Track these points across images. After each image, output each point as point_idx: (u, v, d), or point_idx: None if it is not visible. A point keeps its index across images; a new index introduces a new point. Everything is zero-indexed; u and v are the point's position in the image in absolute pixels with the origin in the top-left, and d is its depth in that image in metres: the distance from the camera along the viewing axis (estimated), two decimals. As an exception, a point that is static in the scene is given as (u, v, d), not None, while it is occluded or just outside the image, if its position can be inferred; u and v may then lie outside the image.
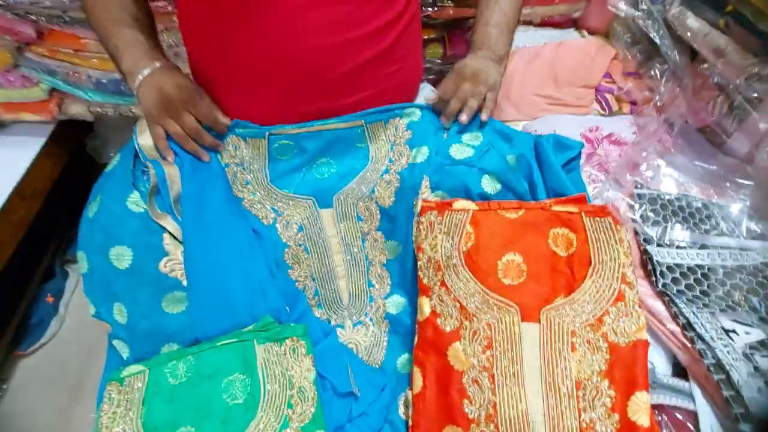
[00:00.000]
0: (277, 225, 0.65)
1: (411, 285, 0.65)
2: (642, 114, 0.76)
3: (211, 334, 0.57)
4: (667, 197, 0.58)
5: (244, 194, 0.65)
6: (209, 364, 0.55)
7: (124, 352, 0.60)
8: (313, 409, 0.52)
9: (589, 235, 0.55)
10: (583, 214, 0.56)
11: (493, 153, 0.64)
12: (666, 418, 0.44)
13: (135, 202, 0.57)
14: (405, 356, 0.63)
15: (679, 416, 0.43)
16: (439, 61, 0.94)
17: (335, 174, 0.67)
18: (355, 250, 0.67)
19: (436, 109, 0.67)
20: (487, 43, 0.67)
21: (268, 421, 0.51)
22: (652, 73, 0.78)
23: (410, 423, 0.53)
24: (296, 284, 0.66)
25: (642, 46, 0.82)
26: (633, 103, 0.83)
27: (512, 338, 0.51)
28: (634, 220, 0.57)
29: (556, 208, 0.57)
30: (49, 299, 1.28)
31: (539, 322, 0.51)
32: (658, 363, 0.50)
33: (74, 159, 1.20)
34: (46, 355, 1.21)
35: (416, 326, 0.57)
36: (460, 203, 0.60)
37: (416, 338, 0.56)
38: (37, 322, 1.23)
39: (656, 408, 0.45)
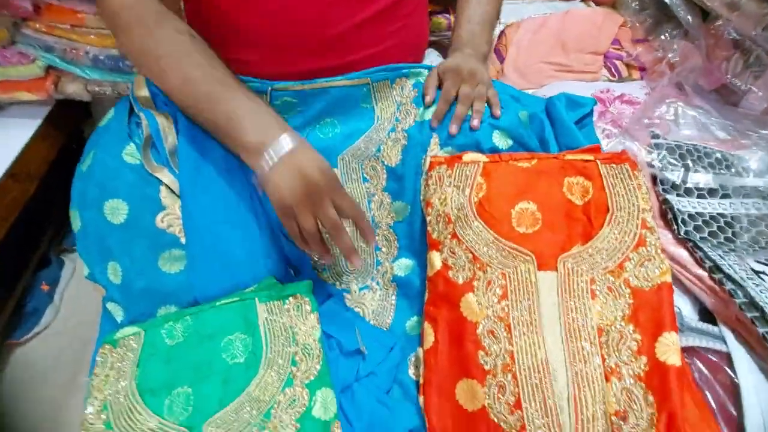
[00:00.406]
0: None
1: (420, 247, 0.63)
2: (653, 78, 0.74)
3: (210, 295, 0.54)
4: (685, 147, 0.56)
5: None
6: (208, 324, 0.52)
7: (119, 314, 0.57)
8: (318, 366, 0.49)
9: (605, 182, 0.52)
10: (598, 161, 0.53)
11: (505, 110, 0.62)
12: (698, 362, 0.41)
13: (131, 154, 0.55)
14: (414, 318, 0.60)
15: (713, 358, 0.41)
16: (446, 33, 0.93)
17: (339, 134, 0.65)
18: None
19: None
20: (472, 41, 0.66)
21: (271, 378, 0.48)
22: (663, 37, 0.76)
23: (421, 381, 0.50)
24: (302, 245, 0.63)
25: (651, 12, 0.81)
26: (642, 69, 0.81)
27: (528, 287, 0.48)
28: (651, 165, 0.54)
29: (570, 157, 0.55)
30: (45, 287, 1.25)
31: (556, 270, 0.49)
32: (684, 310, 0.47)
33: (71, 145, 1.18)
34: (41, 345, 1.17)
35: (426, 283, 0.54)
36: (470, 156, 0.57)
37: (426, 294, 0.54)
38: (32, 310, 1.20)
39: (686, 351, 0.43)
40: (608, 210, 0.51)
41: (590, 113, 0.64)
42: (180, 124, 0.56)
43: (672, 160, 0.54)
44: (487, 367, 0.46)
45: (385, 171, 0.64)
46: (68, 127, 1.16)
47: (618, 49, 0.83)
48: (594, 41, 0.82)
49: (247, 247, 0.56)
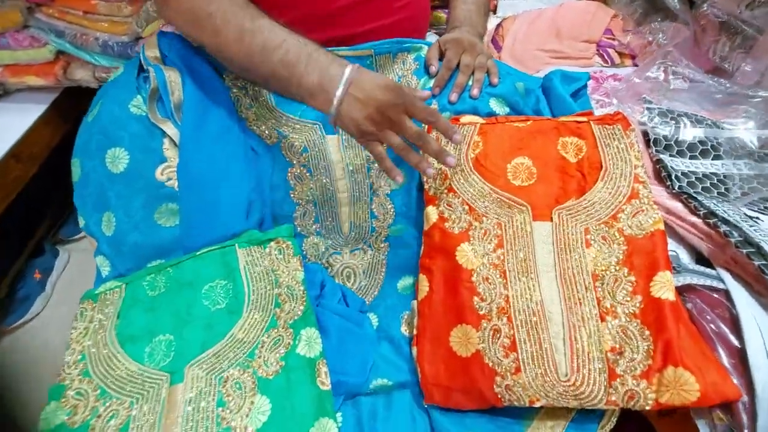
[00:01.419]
0: (282, 144, 0.63)
1: (416, 213, 0.63)
2: (645, 63, 0.76)
3: (196, 248, 0.55)
4: (677, 112, 0.58)
5: (249, 115, 0.64)
6: (189, 273, 0.52)
7: (105, 268, 0.57)
8: (302, 307, 0.48)
9: (598, 141, 0.53)
10: (591, 122, 0.55)
11: (502, 80, 0.64)
12: (696, 299, 0.41)
13: (137, 105, 0.56)
14: (407, 278, 0.60)
15: (712, 294, 0.40)
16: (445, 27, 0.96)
17: None
18: (360, 177, 0.65)
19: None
20: (469, 20, 0.69)
21: (255, 320, 0.48)
22: (652, 26, 0.79)
23: (415, 332, 0.49)
24: (297, 207, 0.63)
25: (640, 3, 0.84)
26: (634, 57, 0.84)
27: (524, 236, 0.48)
28: (642, 123, 0.55)
29: (564, 119, 0.56)
30: (37, 275, 1.24)
31: (551, 221, 0.49)
32: (682, 258, 0.47)
33: (74, 134, 1.20)
34: (29, 333, 1.16)
35: (422, 238, 0.55)
36: (468, 118, 0.59)
37: (422, 248, 0.54)
38: (23, 297, 1.19)
39: (684, 290, 0.42)
40: (602, 167, 0.52)
41: (584, 87, 0.65)
42: (186, 80, 0.58)
43: (662, 122, 0.55)
44: (481, 312, 0.46)
45: None
46: (72, 115, 1.18)
47: (610, 39, 0.85)
48: (587, 29, 0.84)
49: (232, 203, 0.57)
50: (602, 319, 0.42)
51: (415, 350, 0.49)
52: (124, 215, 0.55)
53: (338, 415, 0.48)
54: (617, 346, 0.40)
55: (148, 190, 0.55)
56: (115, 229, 0.55)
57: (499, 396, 0.43)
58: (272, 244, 0.53)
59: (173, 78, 0.57)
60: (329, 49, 0.64)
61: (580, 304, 0.43)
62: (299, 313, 0.48)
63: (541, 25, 0.87)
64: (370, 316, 0.58)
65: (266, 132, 0.64)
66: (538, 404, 0.42)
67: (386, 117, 0.48)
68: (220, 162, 0.57)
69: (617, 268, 0.45)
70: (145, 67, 0.59)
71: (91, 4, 0.98)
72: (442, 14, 0.97)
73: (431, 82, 0.64)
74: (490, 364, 0.44)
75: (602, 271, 0.45)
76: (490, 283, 0.47)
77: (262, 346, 0.47)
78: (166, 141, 0.56)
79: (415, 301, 0.52)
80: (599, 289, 0.44)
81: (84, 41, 1.02)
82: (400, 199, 0.66)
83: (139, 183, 0.55)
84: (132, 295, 0.53)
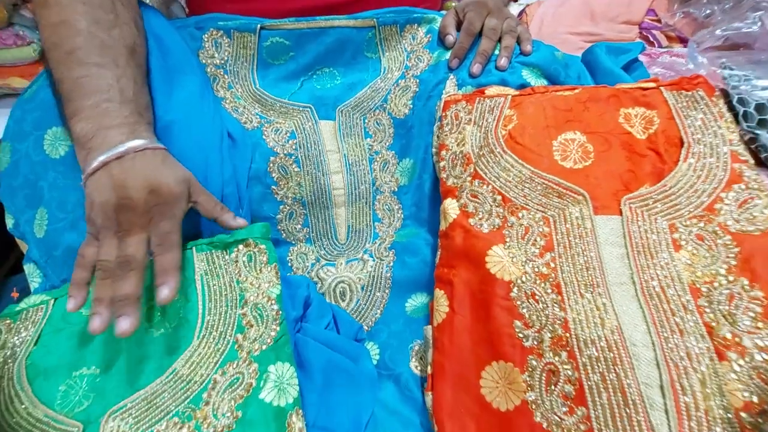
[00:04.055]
0: (264, 129, 0.51)
1: (430, 215, 0.50)
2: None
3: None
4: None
5: (227, 96, 0.52)
6: None
7: (35, 280, 0.44)
8: (274, 333, 0.34)
9: (674, 111, 0.40)
10: (662, 88, 0.41)
11: (537, 47, 0.51)
12: None
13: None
14: (419, 297, 0.45)
15: None
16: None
17: (340, 85, 0.54)
18: (361, 172, 0.52)
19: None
20: None
21: (206, 350, 0.34)
22: (705, 0, 0.67)
23: (429, 371, 0.35)
24: (281, 206, 0.50)
25: (688, -22, 0.72)
26: (684, 41, 0.71)
27: (583, 235, 0.34)
28: (727, 88, 0.42)
29: (624, 86, 0.43)
30: (14, 294, 1.13)
31: (620, 214, 0.35)
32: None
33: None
34: None
35: (438, 241, 0.41)
36: (495, 89, 0.46)
37: (438, 254, 0.40)
38: (-7, 318, 1.07)
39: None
40: (683, 143, 0.38)
41: (636, 60, 0.53)
42: (153, 52, 0.46)
43: (755, 80, 0.41)
44: (527, 344, 0.31)
45: (392, 125, 0.53)
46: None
47: (654, 20, 0.73)
48: (626, 9, 0.73)
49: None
50: (720, 357, 0.27)
51: (429, 397, 0.34)
52: (60, 210, 0.43)
53: (320, 493, 0.33)
54: (754, 400, 0.25)
55: None
56: (48, 228, 0.43)
57: (560, 474, 0.28)
58: (240, 247, 0.40)
59: None
60: (325, 17, 0.53)
61: (681, 333, 0.29)
62: (269, 341, 0.35)
63: (573, 7, 0.76)
64: (370, 347, 0.43)
65: (246, 115, 0.52)
66: (622, 491, 0.27)
67: (122, 218, 0.34)
68: (188, 148, 0.45)
69: (729, 279, 0.30)
70: None
71: None
72: (455, 3, 0.87)
73: (447, 55, 0.52)
74: (545, 425, 0.29)
75: (706, 284, 0.30)
76: (537, 302, 0.32)
77: (212, 387, 0.33)
78: None
79: (429, 327, 0.37)
80: (706, 310, 0.29)
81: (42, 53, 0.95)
82: (409, 198, 0.52)
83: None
84: (60, 314, 0.40)
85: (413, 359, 0.40)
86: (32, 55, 0.97)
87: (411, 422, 0.36)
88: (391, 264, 0.48)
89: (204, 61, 0.53)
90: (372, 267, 0.48)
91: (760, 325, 0.28)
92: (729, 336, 0.28)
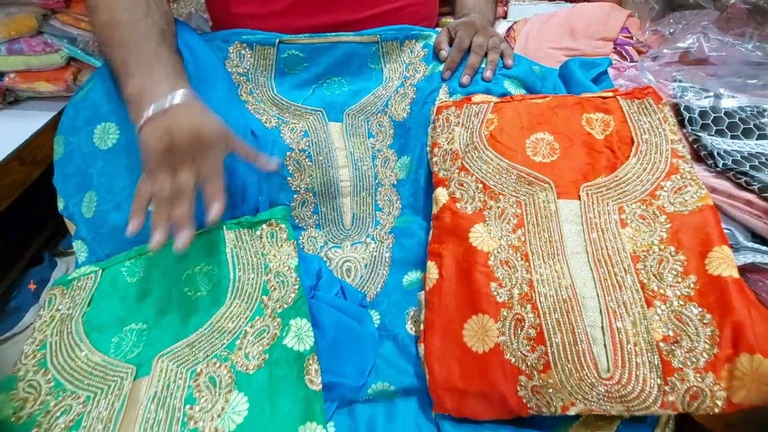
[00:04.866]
0: (281, 128, 0.59)
1: (424, 204, 0.57)
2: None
3: None
4: (713, 90, 0.52)
5: (249, 100, 0.61)
6: (170, 257, 0.47)
7: (82, 254, 0.51)
8: (293, 295, 0.42)
9: (627, 116, 0.48)
10: (618, 97, 0.49)
11: (518, 62, 0.60)
12: (761, 277, 0.34)
13: (130, 82, 0.53)
14: (414, 273, 0.53)
15: (778, 272, 0.33)
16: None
17: (347, 92, 0.63)
18: (364, 167, 0.60)
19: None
20: (477, 6, 0.67)
21: (238, 309, 0.42)
22: (674, 15, 0.76)
23: (422, 327, 0.42)
24: (295, 195, 0.58)
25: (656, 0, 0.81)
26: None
27: (548, 216, 0.42)
28: (674, 97, 0.50)
29: (588, 95, 0.51)
30: (32, 286, 1.20)
31: (579, 199, 0.43)
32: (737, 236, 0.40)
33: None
34: (18, 347, 1.09)
35: (431, 223, 0.49)
36: (480, 97, 0.54)
37: (431, 233, 0.48)
38: (15, 308, 1.13)
39: (746, 270, 0.35)
40: (633, 142, 0.46)
41: (605, 73, 0.61)
42: (189, 61, 0.54)
43: (698, 96, 0.50)
44: (500, 300, 0.39)
45: (392, 127, 0.61)
46: (79, 122, 1.18)
47: (628, 37, 0.82)
48: (603, 27, 0.81)
49: (233, 187, 0.52)
50: (649, 305, 0.35)
51: (422, 348, 0.41)
52: (107, 193, 0.50)
53: (330, 425, 0.40)
54: (670, 334, 0.33)
55: (135, 168, 0.50)
56: (96, 209, 0.50)
57: (525, 401, 0.36)
58: (264, 226, 0.47)
59: None
60: (335, 34, 0.61)
61: (620, 288, 0.36)
62: (289, 301, 0.42)
63: (555, 24, 0.85)
64: (372, 314, 0.51)
65: (265, 116, 0.60)
66: (572, 410, 0.34)
67: (170, 160, 0.41)
68: None
69: (661, 247, 0.38)
70: None
71: (103, 10, 0.98)
72: (451, 20, 0.96)
73: (440, 67, 0.60)
74: (513, 361, 0.36)
75: (643, 251, 0.38)
76: (510, 267, 0.40)
77: (244, 337, 0.40)
78: None
79: (422, 293, 0.45)
80: (642, 271, 0.37)
81: (95, 48, 1.02)
82: (407, 190, 0.60)
83: (126, 160, 0.50)
84: (108, 281, 0.48)
85: (409, 322, 0.47)
86: (59, 61, 1.05)
87: (406, 371, 0.44)
88: (390, 246, 0.56)
89: (230, 70, 0.61)
90: (374, 248, 0.56)
91: (679, 279, 0.35)
92: (656, 288, 0.35)
